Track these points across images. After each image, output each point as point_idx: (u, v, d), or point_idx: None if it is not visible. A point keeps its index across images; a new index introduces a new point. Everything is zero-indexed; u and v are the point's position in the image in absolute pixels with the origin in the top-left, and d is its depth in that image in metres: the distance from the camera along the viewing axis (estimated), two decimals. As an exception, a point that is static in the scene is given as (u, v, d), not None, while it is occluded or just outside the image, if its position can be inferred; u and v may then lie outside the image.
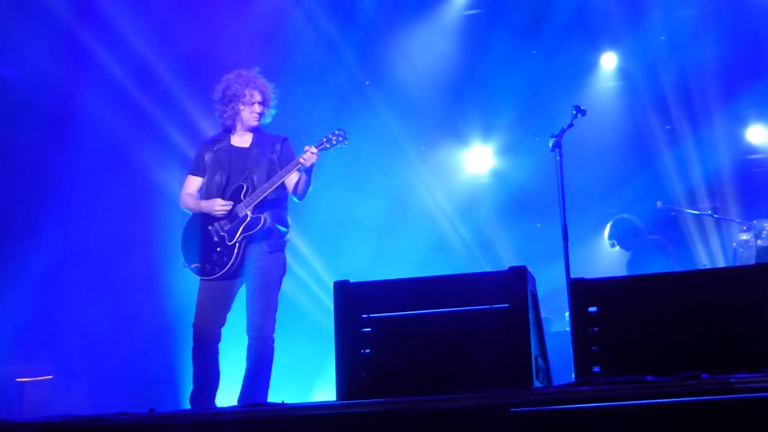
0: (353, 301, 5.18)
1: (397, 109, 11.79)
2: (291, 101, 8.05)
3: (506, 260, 11.74)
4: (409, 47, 12.03)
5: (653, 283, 5.16)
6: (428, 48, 12.11)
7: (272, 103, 7.56)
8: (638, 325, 4.92)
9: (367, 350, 5.10)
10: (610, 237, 10.49)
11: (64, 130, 10.11)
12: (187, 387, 7.40)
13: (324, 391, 9.57)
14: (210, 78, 9.37)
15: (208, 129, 9.97)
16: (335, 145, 7.25)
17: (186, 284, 9.37)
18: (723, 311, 4.85)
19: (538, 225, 11.88)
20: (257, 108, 7.47)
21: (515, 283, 5.00)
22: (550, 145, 7.64)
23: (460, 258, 11.88)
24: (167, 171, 10.28)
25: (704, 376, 4.30)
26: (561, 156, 7.58)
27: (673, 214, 11.26)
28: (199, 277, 7.29)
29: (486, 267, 11.73)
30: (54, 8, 9.97)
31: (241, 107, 7.45)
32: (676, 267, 10.19)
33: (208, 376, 7.18)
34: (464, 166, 12.56)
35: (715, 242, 11.41)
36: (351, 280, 5.24)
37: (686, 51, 11.72)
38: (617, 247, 10.48)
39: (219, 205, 7.22)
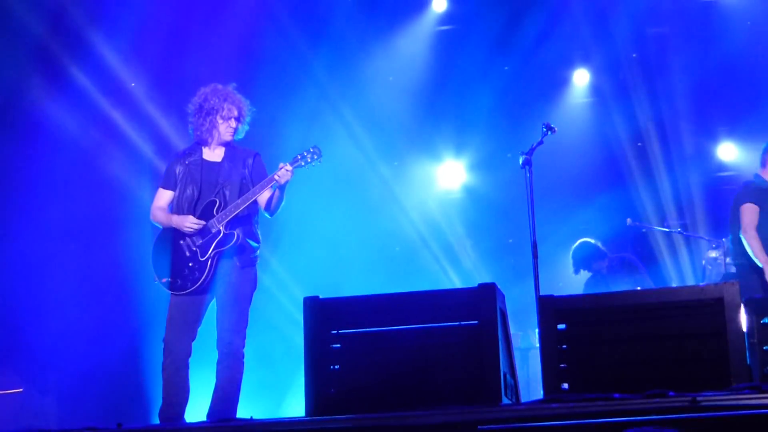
0: (323, 316, 5.17)
1: (369, 124, 11.78)
2: (262, 115, 8.00)
3: (477, 275, 11.75)
4: (382, 62, 12.04)
5: (622, 301, 5.20)
6: (401, 63, 12.13)
7: (246, 120, 7.53)
8: (606, 342, 4.96)
9: (337, 366, 5.10)
10: (574, 264, 10.50)
11: (32, 140, 10.05)
12: (156, 402, 7.35)
13: (293, 406, 9.54)
14: (180, 90, 9.40)
15: (178, 141, 10.00)
16: (310, 162, 7.21)
17: (155, 298, 9.35)
18: (690, 329, 4.88)
19: (510, 240, 11.91)
20: (233, 123, 7.41)
21: (484, 300, 5.01)
22: (521, 162, 7.64)
23: (431, 273, 11.89)
24: (137, 182, 10.24)
25: (671, 394, 4.33)
26: (531, 173, 7.58)
27: (644, 230, 11.31)
28: (169, 292, 7.21)
29: (457, 282, 11.76)
30: (25, 20, 9.92)
31: (219, 121, 7.38)
32: (645, 283, 10.23)
33: (177, 391, 7.08)
34: (436, 181, 12.57)
35: (684, 260, 11.47)
36: (321, 296, 5.23)
37: (657, 68, 11.80)
38: (582, 272, 10.50)
39: (191, 223, 7.15)
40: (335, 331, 5.14)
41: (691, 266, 11.42)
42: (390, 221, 11.95)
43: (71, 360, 9.92)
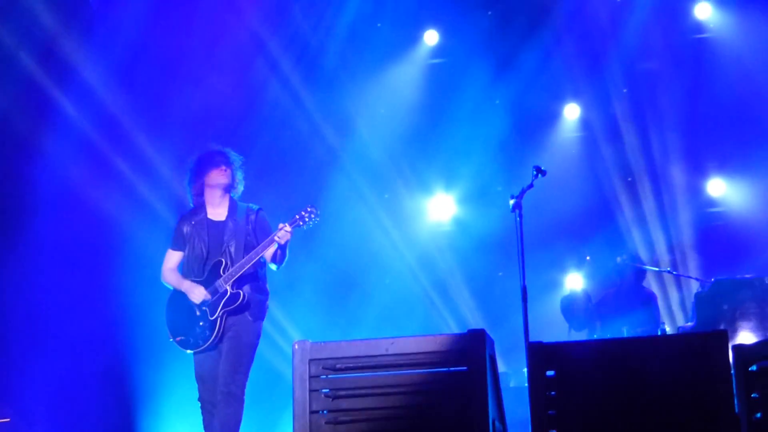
0: (312, 361, 5.17)
1: (360, 156, 11.81)
2: (254, 150, 8.10)
3: (467, 310, 11.77)
4: (373, 94, 12.08)
5: (611, 348, 5.20)
6: (392, 95, 12.17)
7: (237, 165, 7.80)
8: (596, 389, 4.95)
9: (325, 411, 5.10)
10: (567, 321, 10.40)
11: (26, 176, 10.06)
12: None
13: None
14: (171, 123, 9.43)
15: (166, 169, 10.04)
16: (308, 222, 7.53)
17: (143, 334, 9.40)
18: (679, 377, 4.88)
19: (500, 273, 11.91)
20: (223, 168, 7.70)
21: (474, 347, 5.01)
22: (511, 205, 7.64)
23: (421, 306, 11.89)
24: (127, 220, 10.25)
25: (659, 443, 4.34)
26: (521, 217, 7.58)
27: (633, 267, 11.27)
28: (188, 351, 7.54)
29: (447, 316, 11.77)
30: (14, 50, 9.94)
31: (211, 173, 7.68)
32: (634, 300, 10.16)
33: None
34: (427, 213, 12.58)
35: (674, 299, 11.48)
36: (311, 340, 5.24)
37: (647, 103, 11.85)
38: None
39: (198, 295, 7.47)
40: (324, 376, 5.15)
41: (681, 306, 11.42)
42: (381, 253, 11.96)
43: (61, 389, 9.90)
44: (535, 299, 7.81)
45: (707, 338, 5.02)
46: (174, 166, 10.30)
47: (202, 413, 7.50)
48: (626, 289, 10.11)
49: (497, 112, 11.99)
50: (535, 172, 7.77)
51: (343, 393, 5.12)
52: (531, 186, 7.79)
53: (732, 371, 4.92)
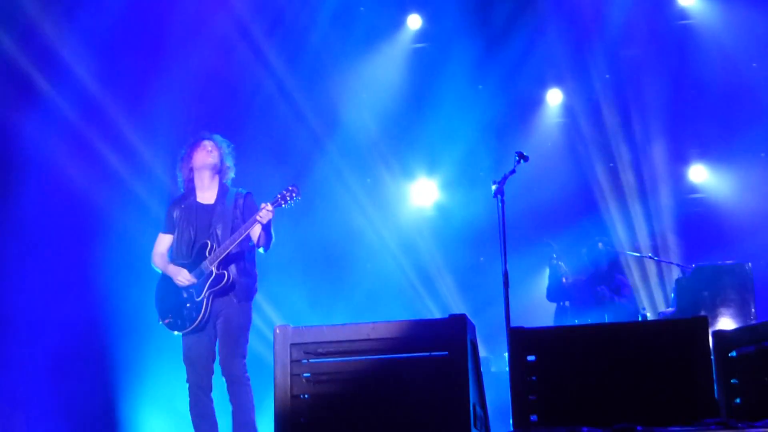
0: (293, 345, 5.17)
1: (342, 141, 11.79)
2: (237, 134, 8.11)
3: (448, 295, 11.77)
4: (355, 79, 12.05)
5: (591, 333, 5.22)
6: (375, 80, 12.15)
7: (224, 150, 7.86)
8: (576, 375, 4.97)
9: (306, 395, 5.10)
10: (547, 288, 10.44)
11: (7, 159, 10.01)
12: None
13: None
14: (154, 108, 9.39)
15: (149, 155, 10.01)
16: (289, 201, 7.52)
17: (129, 329, 9.41)
18: (659, 363, 4.90)
19: (481, 259, 11.92)
20: (208, 147, 7.77)
21: (455, 332, 5.02)
22: (493, 190, 7.64)
23: (403, 291, 11.89)
24: (109, 204, 10.21)
25: (639, 428, 4.35)
26: (503, 203, 7.59)
27: (616, 253, 11.30)
28: (172, 332, 7.61)
29: (428, 301, 11.76)
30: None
31: (195, 154, 7.77)
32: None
33: (207, 426, 7.52)
34: (409, 198, 12.58)
35: (655, 285, 11.50)
36: (292, 325, 5.24)
37: (629, 90, 11.86)
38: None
39: (183, 278, 7.54)
40: (305, 360, 5.15)
41: (662, 291, 11.45)
42: (363, 238, 11.95)
43: (40, 374, 9.87)
44: (516, 285, 7.82)
45: (688, 324, 5.05)
46: (156, 149, 10.28)
47: (190, 395, 7.54)
48: (598, 277, 10.17)
49: (480, 97, 11.98)
50: (517, 158, 7.78)
51: (324, 377, 5.13)
52: (513, 171, 7.80)
53: (712, 357, 4.94)
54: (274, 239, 7.64)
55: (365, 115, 11.99)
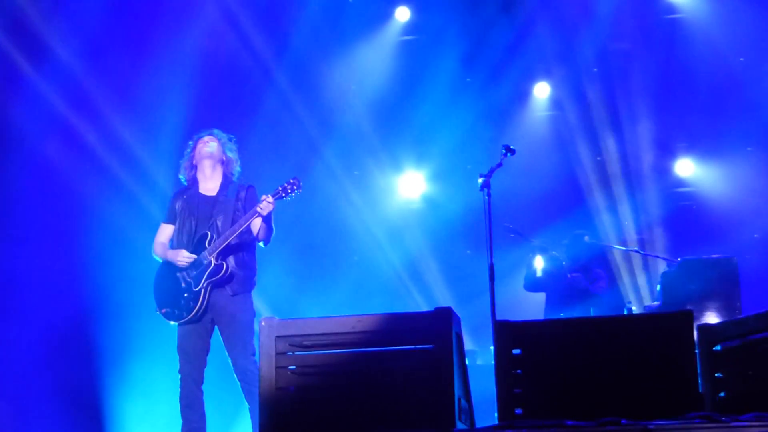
0: (279, 338, 5.16)
1: (330, 132, 11.79)
2: (223, 125, 8.10)
3: (435, 287, 11.78)
4: (343, 70, 12.06)
5: (577, 327, 5.22)
6: (363, 72, 12.16)
7: (224, 143, 7.90)
8: (561, 368, 4.96)
9: (291, 388, 5.09)
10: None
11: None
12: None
13: (245, 426, 9.55)
14: (141, 99, 9.37)
15: (138, 148, 9.99)
16: (290, 194, 7.55)
17: (118, 320, 9.39)
18: (645, 356, 4.90)
19: (468, 252, 11.93)
20: (206, 139, 7.83)
21: (440, 325, 5.01)
22: (479, 183, 7.64)
23: (390, 284, 11.90)
24: (98, 195, 10.20)
25: (624, 422, 4.35)
26: (489, 196, 7.59)
27: (601, 246, 11.32)
28: (169, 322, 7.62)
29: (415, 294, 11.77)
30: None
31: (195, 147, 7.84)
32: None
33: (196, 418, 7.53)
34: (396, 191, 12.58)
35: (641, 278, 11.53)
36: (278, 317, 5.23)
37: (617, 83, 11.87)
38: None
39: (183, 257, 7.57)
40: (290, 353, 5.14)
41: (648, 285, 11.48)
42: (349, 230, 11.96)
43: (28, 362, 9.87)
44: (502, 278, 7.83)
45: (673, 318, 5.05)
46: (145, 141, 10.27)
47: (181, 386, 7.54)
48: (577, 267, 10.21)
49: (468, 90, 11.99)
50: (504, 151, 7.78)
51: (309, 370, 5.11)
52: (500, 165, 7.80)
53: (697, 351, 4.95)
54: (274, 233, 7.66)
55: (353, 107, 11.99)
